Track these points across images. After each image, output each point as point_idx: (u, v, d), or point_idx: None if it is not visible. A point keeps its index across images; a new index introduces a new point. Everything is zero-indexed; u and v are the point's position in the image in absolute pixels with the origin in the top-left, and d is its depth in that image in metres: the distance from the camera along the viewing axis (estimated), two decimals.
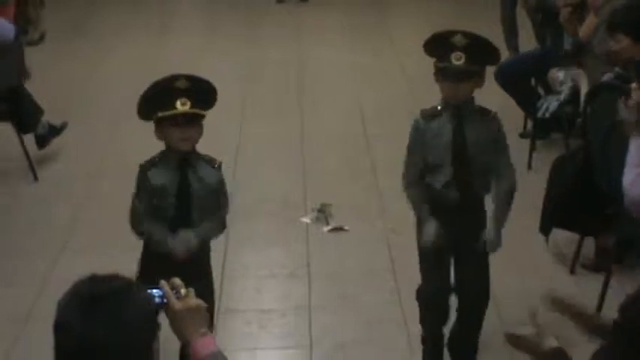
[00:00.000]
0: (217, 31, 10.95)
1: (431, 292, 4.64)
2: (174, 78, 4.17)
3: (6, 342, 5.10)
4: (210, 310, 4.35)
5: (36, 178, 7.11)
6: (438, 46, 4.41)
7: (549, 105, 6.84)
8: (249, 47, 10.19)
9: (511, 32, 8.88)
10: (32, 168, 7.12)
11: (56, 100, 7.96)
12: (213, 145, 7.15)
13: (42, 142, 7.28)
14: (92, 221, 6.43)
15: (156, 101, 4.18)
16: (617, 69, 5.59)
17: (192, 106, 4.13)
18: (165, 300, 2.71)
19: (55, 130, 7.33)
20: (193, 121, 4.18)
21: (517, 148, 7.29)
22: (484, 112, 4.49)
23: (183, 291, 2.76)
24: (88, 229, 6.34)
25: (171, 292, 2.74)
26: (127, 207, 6.32)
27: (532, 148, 7.19)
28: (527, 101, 7.30)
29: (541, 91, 7.26)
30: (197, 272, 4.27)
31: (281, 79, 9.27)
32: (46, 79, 8.45)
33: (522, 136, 7.60)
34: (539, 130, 7.28)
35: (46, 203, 6.75)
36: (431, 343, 4.75)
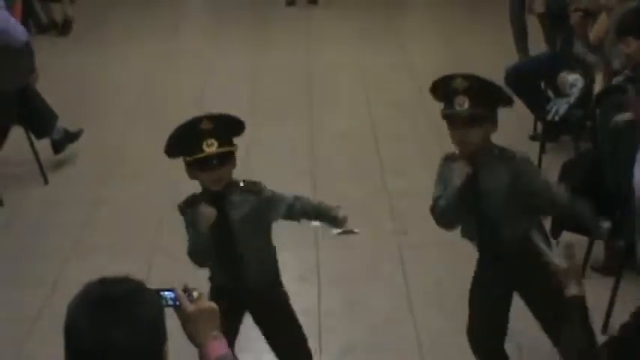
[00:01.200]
0: (227, 33, 10.95)
1: (478, 335, 4.45)
2: (198, 120, 4.02)
3: (17, 343, 5.12)
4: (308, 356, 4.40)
5: (46, 181, 7.14)
6: (440, 92, 4.18)
7: (559, 108, 6.84)
8: (259, 50, 10.20)
9: (521, 35, 8.87)
10: (42, 171, 7.15)
11: (67, 102, 7.97)
12: None
13: (58, 147, 7.32)
14: (103, 224, 6.45)
15: (182, 145, 4.05)
16: (627, 71, 5.60)
17: (219, 146, 3.99)
18: (177, 302, 2.72)
19: (71, 136, 7.36)
20: (224, 160, 4.04)
21: (527, 151, 7.30)
22: (506, 154, 4.20)
23: (195, 294, 2.77)
24: (99, 232, 6.35)
25: (183, 294, 2.75)
26: (137, 209, 6.37)
27: (542, 151, 7.19)
28: (536, 104, 7.30)
29: (551, 94, 7.26)
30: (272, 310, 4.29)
31: (290, 81, 9.27)
32: (58, 82, 8.48)
33: (532, 138, 7.60)
34: (549, 133, 7.28)
35: (56, 206, 6.77)
36: None
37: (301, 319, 5.32)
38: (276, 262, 4.34)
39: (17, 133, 7.08)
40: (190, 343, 2.71)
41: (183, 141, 4.03)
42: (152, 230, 6.03)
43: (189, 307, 2.73)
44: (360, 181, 6.99)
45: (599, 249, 5.77)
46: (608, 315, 5.16)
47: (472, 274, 4.47)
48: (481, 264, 4.37)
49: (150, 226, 6.12)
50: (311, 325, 5.30)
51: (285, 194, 4.28)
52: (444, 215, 4.20)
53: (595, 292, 5.43)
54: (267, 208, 4.20)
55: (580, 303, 3.26)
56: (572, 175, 5.79)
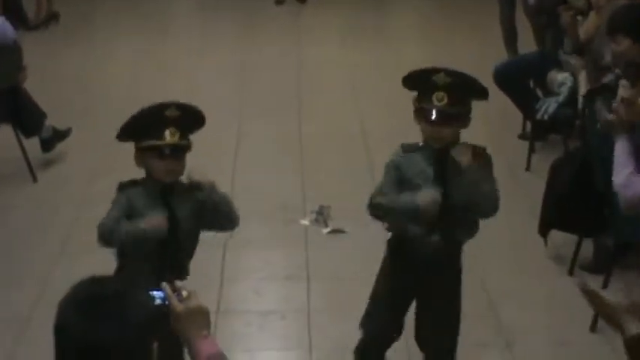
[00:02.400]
0: (216, 32, 10.95)
1: (375, 333, 4.40)
2: (165, 106, 3.89)
3: (7, 343, 5.11)
4: None
5: (35, 180, 7.13)
6: (418, 83, 4.05)
7: (548, 107, 6.84)
8: (248, 48, 10.20)
9: (510, 36, 8.89)
10: (31, 170, 7.14)
11: (56, 100, 7.96)
12: (211, 147, 7.19)
13: (47, 146, 7.32)
14: (92, 222, 6.40)
15: (143, 129, 3.91)
16: (617, 71, 5.60)
17: (181, 137, 3.88)
18: (166, 302, 2.72)
19: (59, 135, 7.36)
20: (180, 153, 3.92)
21: (516, 150, 7.37)
22: (473, 148, 4.05)
23: (184, 293, 2.77)
24: (89, 231, 6.31)
25: (172, 293, 2.75)
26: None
27: (531, 150, 7.21)
28: (525, 103, 7.32)
29: (540, 93, 7.28)
30: None
31: (279, 79, 9.27)
32: (46, 80, 8.46)
33: (521, 137, 7.63)
34: (538, 132, 7.30)
35: (45, 205, 6.76)
36: None
37: (291, 317, 5.36)
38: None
39: (5, 132, 7.07)
40: None
41: (145, 124, 3.89)
42: None
43: (178, 307, 2.73)
44: (348, 177, 7.00)
45: (587, 248, 5.78)
46: (596, 314, 5.17)
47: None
48: (396, 271, 4.26)
49: None
50: (301, 323, 5.32)
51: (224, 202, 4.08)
52: (386, 213, 4.18)
53: None
54: (206, 204, 4.01)
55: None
56: (561, 174, 5.81)
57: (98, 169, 7.20)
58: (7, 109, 6.97)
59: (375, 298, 4.34)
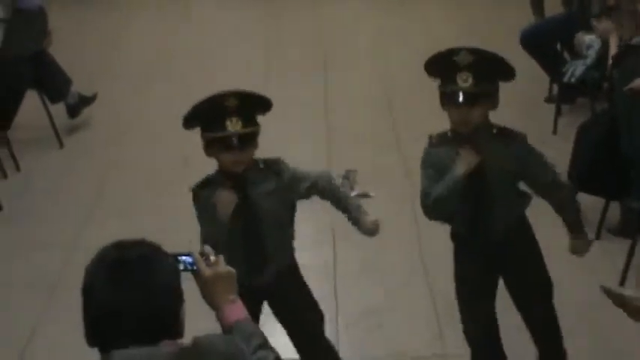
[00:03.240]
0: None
1: (474, 332, 4.23)
2: (224, 96, 3.74)
3: (37, 306, 5.16)
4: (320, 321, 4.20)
5: (62, 145, 7.16)
6: (440, 66, 3.84)
7: (575, 69, 6.79)
8: (272, 14, 10.17)
9: None
10: (58, 136, 7.17)
11: (81, 66, 7.98)
12: None
13: (73, 111, 7.36)
14: (118, 187, 6.47)
15: (204, 121, 3.79)
16: None
17: (243, 126, 3.73)
18: (195, 266, 2.74)
19: (85, 100, 7.39)
20: (246, 141, 3.78)
21: (543, 114, 7.33)
22: (505, 135, 3.93)
23: (212, 258, 2.78)
24: (114, 195, 6.38)
25: (201, 258, 2.76)
26: (152, 172, 6.34)
27: (557, 113, 7.17)
28: (552, 66, 7.27)
29: (567, 55, 7.23)
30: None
31: (304, 45, 9.25)
32: (71, 46, 8.48)
33: (547, 100, 7.59)
34: (565, 95, 7.26)
35: (72, 170, 6.80)
36: None
37: (317, 280, 5.36)
38: (293, 247, 4.12)
39: (32, 98, 7.09)
40: (208, 307, 2.73)
41: (206, 116, 3.77)
42: (167, 193, 6.03)
43: (207, 271, 2.74)
44: (374, 144, 6.99)
45: (614, 211, 5.77)
46: (623, 277, 5.17)
47: None
48: (465, 256, 4.12)
49: (165, 189, 6.13)
50: (327, 286, 5.33)
51: (309, 172, 4.04)
52: (441, 206, 3.91)
53: (610, 255, 5.46)
54: (289, 188, 3.95)
55: None
56: (587, 138, 5.78)
57: (123, 134, 7.22)
58: (33, 75, 6.99)
59: (460, 297, 4.19)
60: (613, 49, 6.22)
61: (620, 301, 3.17)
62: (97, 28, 9.77)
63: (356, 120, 7.48)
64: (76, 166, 6.87)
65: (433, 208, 3.91)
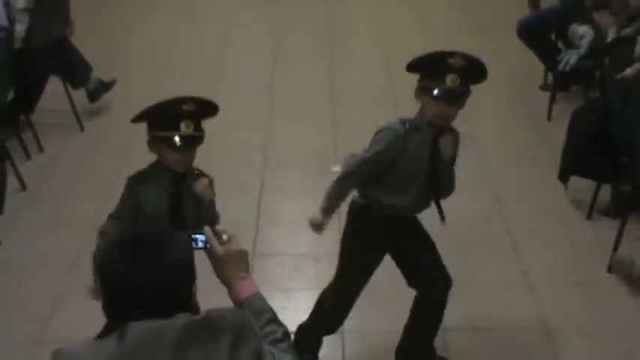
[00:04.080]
0: None
1: (339, 306, 4.47)
2: (184, 100, 3.81)
3: (58, 281, 5.17)
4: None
5: (82, 128, 7.17)
6: (432, 65, 4.02)
7: (569, 59, 6.78)
8: (279, 3, 10.15)
9: None
10: (79, 119, 7.18)
11: (101, 54, 7.98)
12: (246, 99, 7.18)
13: (93, 96, 7.38)
14: (135, 168, 6.43)
15: (160, 120, 3.86)
16: (636, 23, 5.54)
17: (194, 129, 3.81)
18: (208, 245, 2.73)
19: (105, 86, 7.41)
20: (193, 144, 3.84)
21: (538, 101, 7.32)
22: (452, 130, 4.13)
23: (225, 236, 2.77)
24: None
25: (214, 237, 2.75)
26: None
27: (552, 100, 7.16)
28: (548, 55, 7.26)
29: (561, 45, 7.21)
30: None
31: (310, 33, 9.23)
32: (92, 35, 8.47)
33: (543, 88, 7.58)
34: (559, 83, 7.24)
35: (92, 152, 6.81)
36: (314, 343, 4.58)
37: (324, 259, 5.36)
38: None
39: (55, 84, 7.09)
40: (219, 284, 2.72)
41: (162, 116, 3.84)
42: None
43: (219, 249, 2.73)
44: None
45: (606, 193, 5.76)
46: (613, 253, 5.16)
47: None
48: (374, 228, 4.29)
49: None
50: (332, 265, 5.31)
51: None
52: (340, 184, 4.27)
53: (601, 234, 5.45)
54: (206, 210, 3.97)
55: None
56: (580, 124, 5.76)
57: None
58: (56, 61, 6.99)
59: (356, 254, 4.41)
60: (611, 35, 6.20)
61: None
62: (115, 18, 9.76)
63: (360, 106, 7.45)
64: (96, 148, 6.88)
65: (340, 180, 4.26)
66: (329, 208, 4.29)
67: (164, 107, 3.82)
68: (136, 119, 3.87)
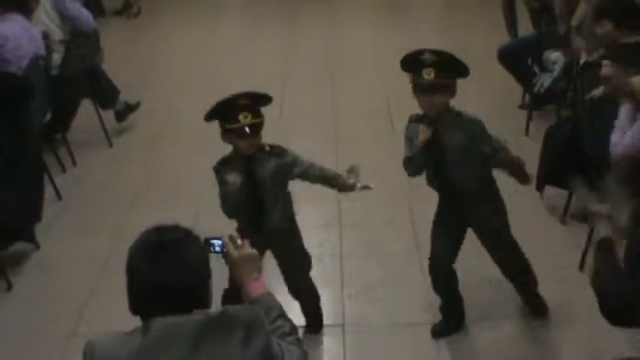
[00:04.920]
0: (261, 18, 10.92)
1: (433, 256, 4.48)
2: (236, 97, 4.07)
3: (89, 282, 5.16)
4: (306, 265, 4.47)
5: (111, 144, 7.18)
6: (410, 64, 4.20)
7: (544, 81, 6.80)
8: (289, 32, 10.17)
9: (511, 20, 8.79)
10: (108, 136, 7.19)
11: (128, 80, 7.99)
12: None
13: (120, 117, 7.40)
14: (158, 180, 6.47)
15: (222, 116, 4.10)
16: (602, 49, 5.54)
17: (252, 118, 4.07)
18: (224, 249, 2.73)
19: (130, 107, 7.43)
20: (255, 130, 4.10)
21: (516, 118, 7.31)
22: (460, 116, 4.22)
23: (239, 242, 2.78)
24: (155, 187, 6.38)
25: (230, 242, 2.76)
26: (186, 168, 6.36)
27: (529, 118, 7.15)
28: (525, 78, 7.25)
29: (536, 69, 7.21)
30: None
31: (316, 58, 9.25)
32: (120, 61, 8.49)
33: (521, 107, 7.57)
34: (535, 103, 7.23)
35: (119, 165, 6.81)
36: (444, 306, 4.62)
37: (327, 259, 5.36)
38: (291, 207, 4.40)
39: (87, 106, 7.11)
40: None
41: (224, 112, 4.07)
42: (198, 186, 6.02)
43: (234, 253, 2.75)
44: (375, 143, 6.98)
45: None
46: (584, 255, 5.15)
47: None
48: (440, 206, 4.44)
49: (196, 182, 6.11)
50: (335, 264, 5.33)
51: (303, 160, 4.32)
52: (408, 165, 4.28)
53: (574, 236, 5.44)
54: (287, 168, 4.25)
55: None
56: (554, 139, 5.76)
57: (162, 135, 7.23)
58: (87, 86, 7.01)
59: (435, 227, 4.48)
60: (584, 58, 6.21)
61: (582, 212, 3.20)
62: (140, 47, 9.80)
63: (360, 122, 7.46)
64: (123, 162, 6.88)
65: (405, 167, 4.28)
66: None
67: (223, 105, 4.07)
68: (207, 118, 4.10)
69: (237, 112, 4.04)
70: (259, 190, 4.17)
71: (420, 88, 4.13)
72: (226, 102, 4.07)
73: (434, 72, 4.08)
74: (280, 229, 4.30)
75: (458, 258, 4.47)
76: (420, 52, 4.13)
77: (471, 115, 4.25)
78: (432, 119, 4.17)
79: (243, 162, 4.14)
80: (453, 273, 4.50)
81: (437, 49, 4.13)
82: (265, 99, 4.16)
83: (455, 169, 4.22)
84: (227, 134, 4.11)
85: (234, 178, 4.12)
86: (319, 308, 4.66)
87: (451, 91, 4.17)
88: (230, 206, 4.17)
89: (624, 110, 4.40)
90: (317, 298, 4.62)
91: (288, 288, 4.50)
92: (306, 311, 4.61)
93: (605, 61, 4.61)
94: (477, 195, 4.31)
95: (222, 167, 4.17)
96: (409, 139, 4.27)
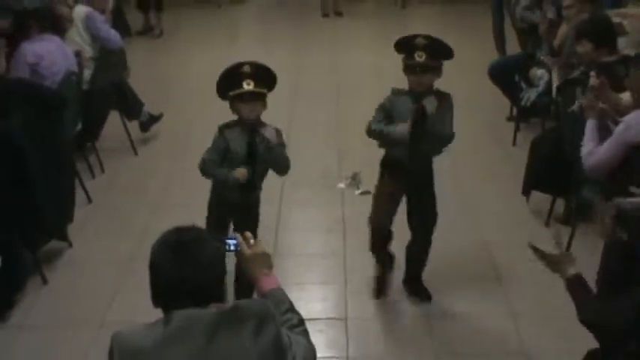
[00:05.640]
0: (274, 39, 10.94)
1: (379, 222, 4.66)
2: (241, 65, 4.18)
3: (114, 280, 5.17)
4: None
5: (136, 153, 7.19)
6: (404, 46, 4.41)
7: (530, 96, 6.80)
8: (299, 51, 10.18)
9: (500, 39, 8.82)
10: (133, 146, 7.20)
11: (151, 93, 8.01)
12: None
13: (144, 127, 7.40)
14: (179, 186, 6.48)
15: (227, 83, 4.21)
16: (582, 67, 5.55)
17: (255, 86, 4.14)
18: (238, 247, 2.75)
19: (154, 119, 7.43)
20: (257, 97, 4.17)
21: (505, 129, 7.32)
22: (439, 94, 4.41)
23: (252, 241, 2.79)
24: (176, 192, 6.39)
25: (243, 241, 2.77)
26: (205, 178, 6.36)
27: (516, 129, 7.16)
28: (512, 93, 7.26)
29: (523, 84, 7.21)
30: (247, 216, 4.39)
31: (322, 75, 9.26)
32: (144, 77, 8.52)
33: (509, 119, 7.58)
34: (522, 115, 7.24)
35: (144, 172, 6.82)
36: (381, 262, 4.84)
37: (331, 259, 5.37)
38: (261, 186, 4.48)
39: (114, 117, 7.13)
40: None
41: (229, 80, 4.17)
42: None
43: (247, 251, 2.76)
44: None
45: (559, 205, 5.75)
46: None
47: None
48: (389, 173, 4.59)
49: None
50: (338, 263, 5.33)
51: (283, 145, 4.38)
52: (377, 137, 4.53)
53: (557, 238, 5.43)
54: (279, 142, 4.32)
55: (579, 280, 3.18)
56: (539, 148, 5.77)
57: (183, 144, 7.24)
58: (115, 99, 7.03)
59: (376, 200, 4.67)
60: (556, 81, 6.25)
61: (541, 255, 3.22)
62: (162, 64, 9.82)
63: (361, 133, 7.38)
64: (147, 168, 6.89)
65: (368, 135, 4.57)
66: (391, 132, 4.51)
67: (228, 72, 4.20)
68: (217, 88, 4.24)
69: (240, 80, 4.12)
70: (254, 162, 4.24)
71: (411, 69, 4.34)
72: (231, 69, 4.17)
73: (425, 54, 4.29)
74: (253, 194, 4.40)
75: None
76: (414, 37, 4.34)
77: (449, 95, 4.41)
78: (418, 95, 4.35)
79: (245, 127, 4.22)
80: (391, 233, 4.71)
81: (428, 35, 4.34)
82: (267, 71, 4.23)
83: (427, 144, 4.35)
84: (231, 101, 4.20)
85: (235, 136, 4.21)
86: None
87: (438, 71, 4.37)
88: (216, 162, 4.24)
89: (590, 124, 4.44)
90: None
91: None
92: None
93: (592, 73, 4.64)
94: (419, 167, 4.52)
95: (225, 129, 4.26)
96: (385, 110, 4.44)
